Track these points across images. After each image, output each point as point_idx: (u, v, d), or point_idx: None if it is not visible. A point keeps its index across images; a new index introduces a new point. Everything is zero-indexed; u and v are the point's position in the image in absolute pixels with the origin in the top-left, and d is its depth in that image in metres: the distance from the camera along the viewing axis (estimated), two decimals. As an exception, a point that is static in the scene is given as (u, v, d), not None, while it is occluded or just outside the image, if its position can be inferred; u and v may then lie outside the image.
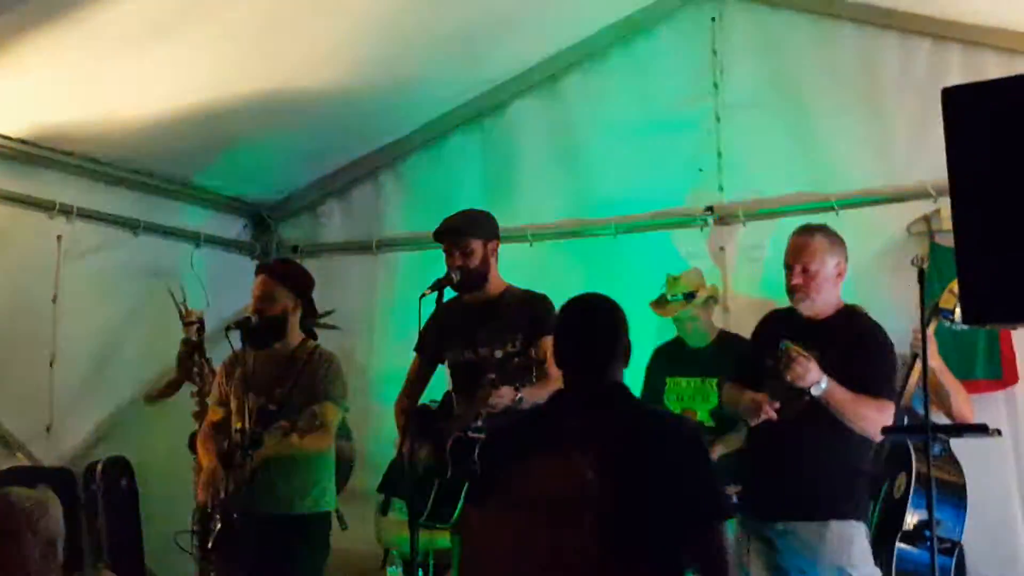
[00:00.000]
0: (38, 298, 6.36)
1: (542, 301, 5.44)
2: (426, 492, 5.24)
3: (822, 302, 5.09)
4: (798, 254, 5.09)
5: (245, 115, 6.49)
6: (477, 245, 5.41)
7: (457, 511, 5.20)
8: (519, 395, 5.02)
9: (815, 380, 4.83)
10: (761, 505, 5.10)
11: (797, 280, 5.07)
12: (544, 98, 7.28)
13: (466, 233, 5.42)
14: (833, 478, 4.91)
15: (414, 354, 5.69)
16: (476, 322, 5.44)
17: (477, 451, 4.87)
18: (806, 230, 5.18)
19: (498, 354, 5.30)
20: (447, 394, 5.45)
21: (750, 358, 5.30)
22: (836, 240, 5.15)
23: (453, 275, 5.35)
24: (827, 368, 4.86)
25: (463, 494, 5.09)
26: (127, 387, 6.82)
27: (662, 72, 6.94)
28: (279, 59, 6.17)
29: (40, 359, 6.35)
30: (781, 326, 5.18)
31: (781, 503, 4.98)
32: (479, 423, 5.13)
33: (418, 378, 5.67)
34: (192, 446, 6.14)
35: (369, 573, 6.66)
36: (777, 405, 4.97)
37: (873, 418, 4.88)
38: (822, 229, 5.19)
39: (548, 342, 5.24)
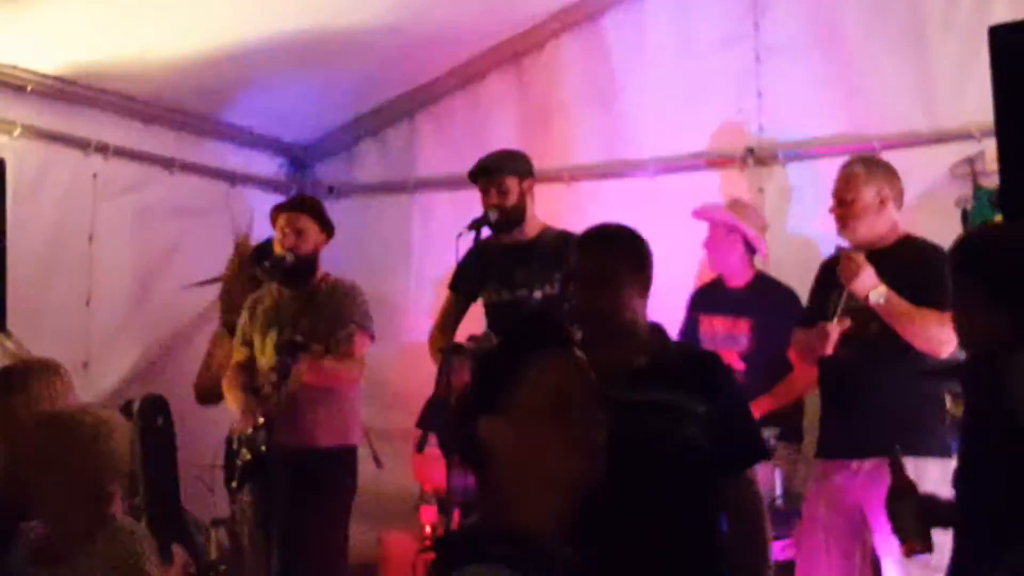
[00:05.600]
0: (74, 236, 6.38)
1: None
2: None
3: (867, 231, 4.98)
4: (836, 186, 5.08)
5: (280, 54, 6.44)
6: (513, 183, 5.38)
7: None
8: None
9: (872, 284, 4.73)
10: (832, 444, 4.98)
11: (835, 211, 5.05)
12: (582, 37, 7.17)
13: (502, 171, 5.39)
14: (908, 411, 4.73)
15: (448, 291, 5.67)
16: (514, 262, 5.42)
17: None
18: (848, 163, 5.16)
19: (537, 295, 5.28)
20: (485, 333, 5.42)
21: (812, 302, 5.21)
22: (877, 170, 5.08)
23: (491, 214, 5.31)
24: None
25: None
26: (163, 325, 6.84)
27: (702, 11, 6.85)
28: (313, -3, 6.12)
29: (76, 297, 6.37)
30: None
31: (855, 441, 4.81)
32: None
33: (451, 315, 5.64)
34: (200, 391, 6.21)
35: (405, 511, 6.67)
36: (848, 322, 4.83)
37: (936, 333, 4.62)
38: (863, 160, 5.16)
39: None
